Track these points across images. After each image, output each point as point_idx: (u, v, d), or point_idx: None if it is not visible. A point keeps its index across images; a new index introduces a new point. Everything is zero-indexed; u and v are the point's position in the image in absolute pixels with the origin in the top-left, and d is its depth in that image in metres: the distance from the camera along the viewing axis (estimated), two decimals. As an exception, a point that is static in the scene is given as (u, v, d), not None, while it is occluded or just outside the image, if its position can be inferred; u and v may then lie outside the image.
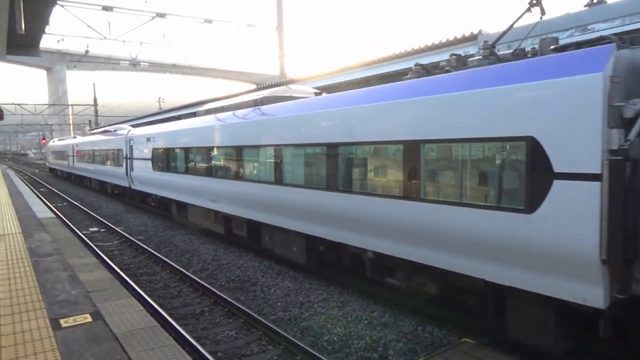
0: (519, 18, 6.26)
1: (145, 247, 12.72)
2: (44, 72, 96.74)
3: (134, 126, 24.46)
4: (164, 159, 15.74)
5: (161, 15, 20.74)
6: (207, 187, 12.50)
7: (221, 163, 11.86)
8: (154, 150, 16.67)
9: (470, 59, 6.38)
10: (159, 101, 63.61)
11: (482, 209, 5.53)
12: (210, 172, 12.31)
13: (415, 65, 7.26)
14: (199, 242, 13.43)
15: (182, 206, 15.12)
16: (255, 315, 7.46)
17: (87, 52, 23.14)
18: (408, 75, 7.28)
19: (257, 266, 10.64)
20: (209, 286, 9.07)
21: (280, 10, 28.90)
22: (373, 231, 7.12)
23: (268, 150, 9.72)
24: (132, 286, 8.97)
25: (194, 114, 16.78)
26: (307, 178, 8.56)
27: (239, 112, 11.28)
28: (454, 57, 6.67)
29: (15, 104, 48.59)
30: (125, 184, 20.95)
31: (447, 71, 6.56)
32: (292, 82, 15.56)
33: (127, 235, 14.40)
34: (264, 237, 10.52)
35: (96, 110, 56.48)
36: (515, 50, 6.11)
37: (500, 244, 5.34)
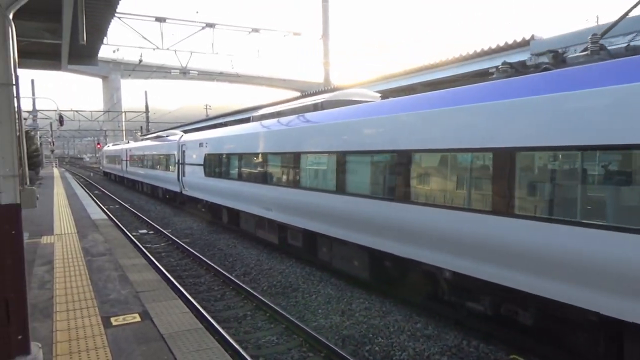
0: (630, 10, 5.60)
1: (191, 250, 13.00)
2: (100, 81, 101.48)
3: (184, 132, 24.85)
4: (217, 165, 15.56)
5: (211, 25, 21.32)
6: (261, 195, 12.15)
7: (277, 170, 11.52)
8: (207, 155, 16.52)
9: (572, 55, 5.88)
10: (206, 108, 65.29)
11: (610, 230, 4.63)
12: (265, 179, 11.97)
13: (503, 64, 6.74)
14: (242, 247, 13.61)
15: (233, 213, 14.91)
16: (297, 322, 7.45)
17: (140, 61, 24.03)
18: (494, 75, 6.76)
19: (299, 272, 10.66)
20: (251, 290, 9.15)
21: (326, 18, 29.11)
22: (452, 248, 6.43)
23: (329, 157, 9.22)
24: (178, 288, 9.16)
25: (247, 120, 16.70)
26: (374, 187, 8.04)
27: (297, 118, 10.92)
28: (551, 53, 6.16)
29: (73, 111, 51.09)
30: (176, 189, 21.04)
31: (546, 69, 5.98)
32: (336, 89, 15.52)
33: (173, 238, 14.77)
34: (321, 248, 10.09)
35: (147, 117, 58.51)
36: (628, 45, 5.55)
37: (628, 271, 4.53)
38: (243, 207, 13.55)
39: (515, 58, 10.44)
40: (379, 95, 10.71)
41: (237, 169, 13.81)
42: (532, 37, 9.80)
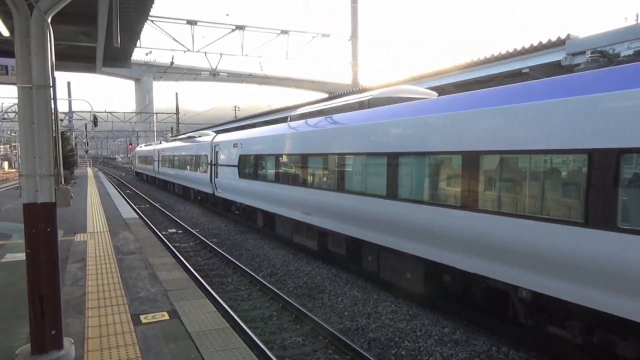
0: None
1: (219, 249, 13.14)
2: (133, 83, 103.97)
3: (216, 132, 24.53)
4: (252, 166, 15.04)
5: (240, 27, 21.56)
6: (300, 198, 11.54)
7: (318, 172, 10.91)
8: (241, 156, 16.04)
9: None
10: (235, 110, 66.12)
11: None
12: (304, 181, 11.37)
13: (593, 52, 6.23)
14: (268, 247, 13.69)
15: (269, 217, 14.31)
16: (322, 323, 7.44)
17: (172, 63, 24.48)
18: (581, 67, 6.18)
19: (325, 274, 10.65)
20: (277, 291, 9.19)
21: (355, 20, 29.06)
22: (531, 265, 5.63)
23: (378, 159, 8.53)
24: (205, 287, 9.27)
25: (282, 120, 16.31)
26: (432, 193, 7.31)
27: (341, 117, 10.27)
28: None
29: (107, 112, 52.52)
30: (208, 190, 20.73)
31: None
32: (366, 89, 15.42)
33: (202, 238, 14.97)
34: (367, 257, 9.43)
35: (178, 118, 59.62)
36: None
37: None
38: (279, 210, 13.01)
39: (549, 58, 10.20)
40: (431, 92, 9.95)
41: (273, 171, 13.29)
42: (568, 36, 9.53)
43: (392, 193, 8.06)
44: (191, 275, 9.97)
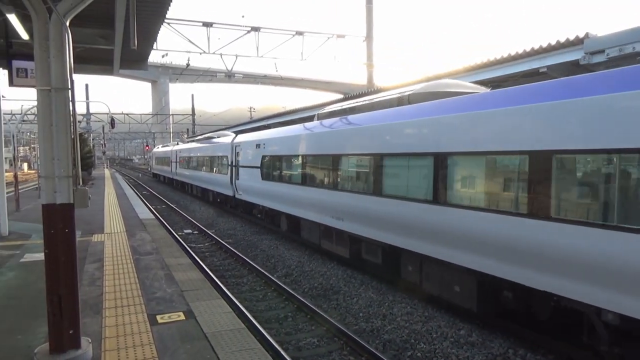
0: None
1: (234, 250, 13.20)
2: (149, 85, 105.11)
3: (235, 133, 23.97)
4: (276, 167, 14.41)
5: (256, 29, 21.66)
6: (330, 202, 10.85)
7: (352, 174, 10.26)
8: (264, 157, 15.41)
9: None
10: (250, 111, 66.44)
11: None
12: (335, 184, 10.66)
13: None
14: (284, 248, 13.71)
15: (294, 221, 13.65)
16: (338, 324, 7.42)
17: (188, 65, 24.65)
18: None
19: (340, 275, 10.63)
20: (292, 292, 9.19)
21: (370, 20, 28.98)
22: (627, 284, 4.80)
23: (423, 160, 7.76)
24: (221, 288, 9.31)
25: (306, 120, 15.74)
26: (490, 198, 6.48)
27: (377, 114, 9.54)
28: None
29: (124, 114, 53.18)
30: (229, 192, 20.16)
31: None
32: (381, 89, 15.32)
33: (217, 238, 15.05)
34: (406, 267, 8.66)
35: (193, 120, 60.11)
36: None
37: None
38: (306, 214, 12.30)
39: (567, 57, 10.04)
40: (477, 86, 9.14)
41: (300, 172, 12.61)
42: (587, 35, 9.37)
43: (439, 198, 7.26)
44: (207, 275, 10.03)
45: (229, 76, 26.04)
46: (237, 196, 18.98)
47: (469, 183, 7.02)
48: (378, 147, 9.06)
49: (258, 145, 16.13)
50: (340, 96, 23.74)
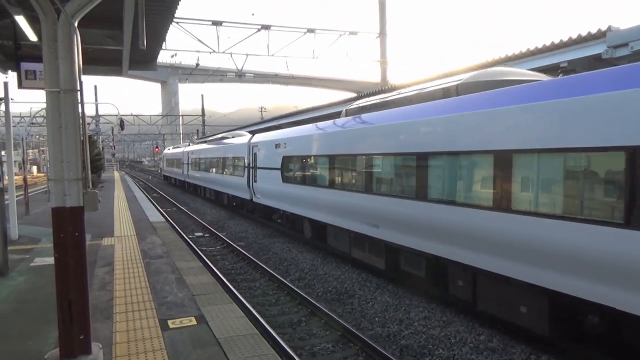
0: None
1: (246, 253, 13.24)
2: (159, 85, 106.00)
3: (250, 133, 23.55)
4: (299, 169, 13.87)
5: (266, 27, 21.76)
6: (363, 207, 10.17)
7: (388, 175, 9.53)
8: (285, 158, 14.78)
9: None
10: (261, 110, 66.72)
11: None
12: (369, 186, 9.98)
13: None
14: (297, 251, 13.71)
15: (319, 227, 12.96)
16: (353, 329, 7.39)
17: (197, 65, 24.86)
18: None
19: (355, 278, 10.59)
20: (306, 296, 9.18)
21: (383, 16, 28.93)
22: None
23: (479, 160, 7.05)
24: (233, 292, 9.34)
25: (328, 117, 15.09)
26: (575, 204, 5.64)
27: (417, 108, 8.82)
28: None
29: (133, 115, 53.72)
30: (245, 196, 19.53)
31: None
32: (395, 87, 15.24)
33: (228, 241, 15.11)
34: (456, 282, 7.86)
35: (203, 120, 60.48)
36: None
37: None
38: (334, 220, 11.59)
39: (589, 51, 9.91)
40: (535, 73, 8.42)
41: (327, 174, 11.91)
42: (609, 28, 9.23)
43: (503, 204, 6.49)
44: (218, 279, 10.07)
45: (239, 76, 26.17)
46: (254, 200, 18.41)
47: (544, 186, 6.05)
48: (422, 145, 8.30)
49: (278, 145, 15.52)
50: (353, 94, 23.67)
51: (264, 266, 11.69)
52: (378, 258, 10.08)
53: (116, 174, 57.96)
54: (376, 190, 9.73)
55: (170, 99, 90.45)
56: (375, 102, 10.95)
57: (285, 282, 10.26)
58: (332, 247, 12.46)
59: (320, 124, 13.52)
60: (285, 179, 14.73)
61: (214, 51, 22.02)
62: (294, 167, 14.23)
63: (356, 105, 11.86)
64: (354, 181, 10.78)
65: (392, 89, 15.56)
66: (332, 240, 12.26)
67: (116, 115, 38.10)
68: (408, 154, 8.73)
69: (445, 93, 8.49)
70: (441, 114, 7.91)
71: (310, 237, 13.77)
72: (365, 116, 10.76)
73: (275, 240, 15.50)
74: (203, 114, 61.10)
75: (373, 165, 9.96)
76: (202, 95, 63.06)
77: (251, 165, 18.59)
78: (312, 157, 13.06)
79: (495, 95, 7.03)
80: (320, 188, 12.27)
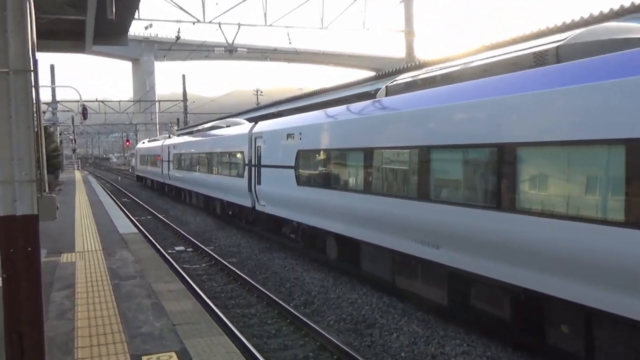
0: None
1: (238, 272, 13.26)
2: (130, 64, 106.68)
3: (250, 121, 22.73)
4: (322, 167, 13.08)
5: (262, -10, 21.80)
6: (417, 219, 9.29)
7: (456, 176, 8.70)
8: (302, 153, 14.00)
9: None
10: (257, 94, 66.90)
11: None
12: (425, 192, 9.02)
13: None
14: (302, 269, 13.71)
15: (349, 245, 12.13)
16: (373, 368, 7.37)
17: (178, 38, 24.85)
18: None
19: (375, 303, 10.57)
20: (314, 325, 9.18)
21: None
22: None
23: (599, 153, 6.21)
24: (223, 321, 9.35)
25: (348, 101, 14.76)
26: None
27: (495, 82, 7.96)
28: None
29: (99, 101, 54.09)
30: (245, 202, 18.66)
31: None
32: (425, 64, 15.11)
33: (217, 257, 15.14)
34: (557, 326, 7.13)
35: (185, 107, 60.71)
36: None
37: None
38: (372, 236, 10.83)
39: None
40: None
41: (362, 174, 11.12)
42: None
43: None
44: (205, 305, 10.08)
45: (230, 51, 26.24)
46: (258, 208, 17.54)
47: None
48: (509, 134, 7.38)
49: (291, 136, 14.68)
50: (372, 73, 23.51)
51: (262, 288, 11.70)
52: (437, 290, 9.32)
53: (78, 174, 58.35)
54: (440, 197, 8.76)
55: (144, 80, 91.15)
56: (432, 74, 10.08)
57: (287, 308, 10.26)
58: (367, 273, 11.86)
59: (352, 106, 12.64)
60: (302, 181, 14.01)
61: (198, 21, 22.07)
62: (314, 165, 13.55)
63: (402, 81, 11.06)
64: (403, 184, 9.95)
65: (438, 62, 14.22)
66: (368, 264, 11.65)
67: (78, 102, 38.33)
68: (483, 146, 7.84)
69: (538, 59, 7.64)
70: (526, 91, 7.12)
71: (335, 258, 13.09)
72: (422, 94, 9.78)
73: (274, 256, 15.51)
74: (185, 98, 61.38)
75: (439, 161, 9.00)
76: (183, 76, 63.43)
77: (253, 162, 17.77)
78: (340, 151, 12.26)
79: (611, 60, 6.23)
80: (352, 193, 11.54)
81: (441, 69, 10.01)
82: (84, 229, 16.37)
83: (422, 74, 10.59)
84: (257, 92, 67.84)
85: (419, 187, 9.21)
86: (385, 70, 19.78)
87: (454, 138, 8.47)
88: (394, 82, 11.35)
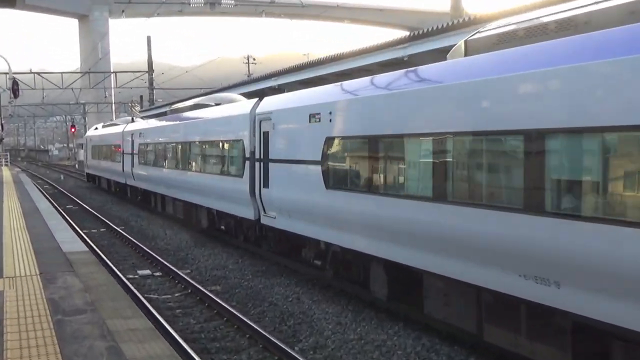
0: None
1: (224, 304, 13.25)
2: (75, 23, 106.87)
3: (248, 96, 22.04)
4: (366, 162, 12.38)
5: None
6: (518, 240, 8.47)
7: (584, 177, 7.84)
8: (331, 141, 13.42)
9: None
10: (248, 62, 66.89)
11: None
12: (540, 198, 8.14)
13: None
14: (309, 300, 13.70)
15: (406, 275, 11.49)
16: None
17: (139, -14, 24.83)
18: None
19: (410, 345, 10.56)
20: (328, 378, 9.18)
21: None
22: None
23: None
24: (203, 370, 9.36)
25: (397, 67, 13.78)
26: None
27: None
28: None
29: (34, 73, 54.23)
30: (246, 213, 18.18)
31: None
32: (477, 20, 14.85)
33: (195, 284, 15.12)
34: None
35: (151, 79, 60.78)
36: None
37: None
38: (444, 266, 10.14)
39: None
40: None
41: (435, 173, 10.31)
42: None
43: None
44: (179, 349, 10.09)
45: (212, 4, 26.25)
46: (264, 221, 17.07)
47: None
48: None
49: (316, 116, 13.97)
50: (406, 33, 22.98)
51: (255, 326, 11.67)
52: (549, 347, 8.55)
53: (6, 172, 58.64)
54: (581, 211, 7.71)
55: (94, 45, 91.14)
56: (543, 20, 9.26)
57: (292, 353, 10.24)
58: (437, 319, 11.02)
59: (417, 70, 11.64)
60: (333, 182, 13.33)
61: (167, -37, 22.08)
62: (354, 159, 12.99)
63: (492, 32, 10.24)
64: (517, 191, 8.77)
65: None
66: (438, 307, 10.78)
67: (6, 74, 38.48)
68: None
69: None
70: None
71: (385, 296, 12.27)
72: (537, 48, 8.73)
73: (273, 282, 15.50)
74: (151, 68, 61.45)
75: (541, 153, 8.14)
76: (148, 37, 63.45)
77: (258, 155, 17.15)
78: (397, 139, 11.51)
79: None
80: (417, 202, 10.69)
81: (554, 13, 9.09)
82: (15, 246, 16.40)
83: (514, 23, 9.84)
84: (248, 59, 67.71)
85: (550, 196, 8.13)
86: (426, 29, 19.10)
87: (568, 119, 7.69)
88: (480, 35, 10.53)
